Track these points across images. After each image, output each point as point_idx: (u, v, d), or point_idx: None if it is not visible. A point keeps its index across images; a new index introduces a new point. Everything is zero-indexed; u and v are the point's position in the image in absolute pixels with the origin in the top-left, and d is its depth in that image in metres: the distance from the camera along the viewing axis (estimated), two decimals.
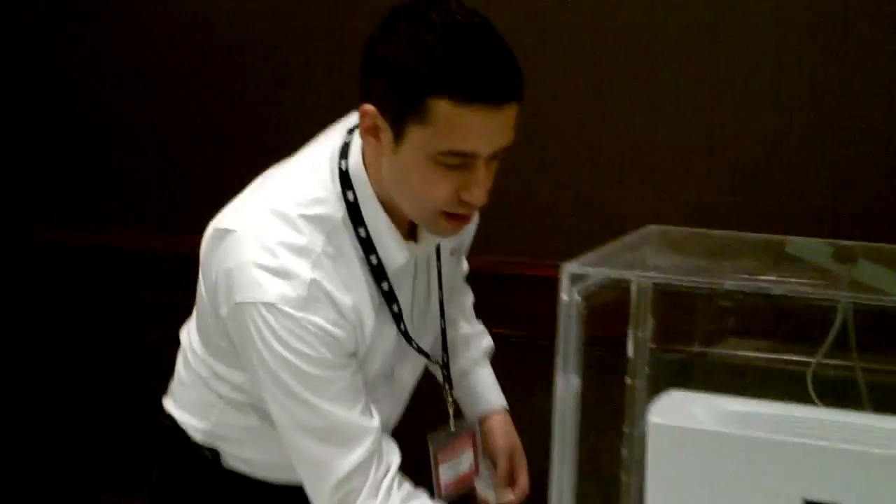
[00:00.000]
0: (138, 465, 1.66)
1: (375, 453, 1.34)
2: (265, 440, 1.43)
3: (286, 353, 1.29)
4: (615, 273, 1.09)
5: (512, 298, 2.42)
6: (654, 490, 1.18)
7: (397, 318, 1.43)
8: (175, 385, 1.58)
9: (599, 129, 2.46)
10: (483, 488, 1.63)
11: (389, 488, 1.35)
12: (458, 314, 1.73)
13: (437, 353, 1.58)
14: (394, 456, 1.38)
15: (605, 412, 1.34)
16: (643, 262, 1.24)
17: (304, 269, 1.30)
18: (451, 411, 1.58)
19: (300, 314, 1.29)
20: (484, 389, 1.72)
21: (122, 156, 3.23)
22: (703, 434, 1.15)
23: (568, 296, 1.07)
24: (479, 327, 1.77)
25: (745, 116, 2.33)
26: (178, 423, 1.54)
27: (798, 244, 1.29)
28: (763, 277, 1.17)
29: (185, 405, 1.54)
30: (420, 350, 1.49)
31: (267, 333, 1.29)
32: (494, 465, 1.68)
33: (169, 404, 1.58)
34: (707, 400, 1.25)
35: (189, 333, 1.53)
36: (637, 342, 1.34)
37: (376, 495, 1.33)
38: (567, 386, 1.11)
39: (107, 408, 3.54)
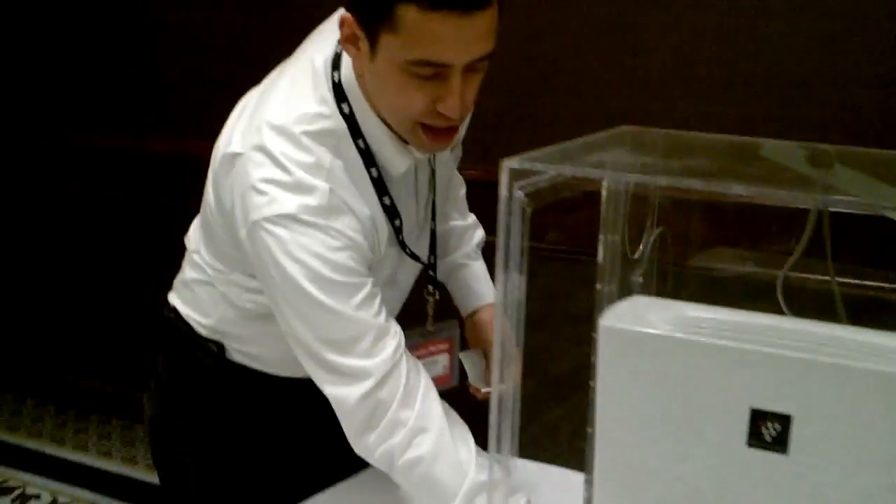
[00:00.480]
0: (146, 360, 1.69)
1: (402, 358, 1.33)
2: (271, 338, 1.44)
3: (312, 262, 1.28)
4: (553, 168, 1.05)
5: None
6: (604, 393, 1.16)
7: (397, 231, 1.43)
8: (180, 283, 1.60)
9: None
10: (474, 378, 1.63)
11: (424, 395, 1.33)
12: (451, 207, 1.71)
13: (425, 254, 1.57)
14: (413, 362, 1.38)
15: (577, 319, 1.31)
16: (608, 160, 1.20)
17: (319, 182, 1.30)
18: (430, 312, 1.57)
19: (324, 222, 1.29)
20: (476, 282, 1.71)
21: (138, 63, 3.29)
22: (651, 338, 1.12)
23: (508, 192, 1.04)
24: (472, 219, 1.76)
25: None
26: (183, 316, 1.57)
27: (773, 147, 1.23)
28: (733, 180, 1.12)
29: (189, 302, 1.57)
30: (413, 255, 1.49)
31: (292, 247, 1.28)
32: (486, 355, 1.67)
33: (174, 299, 1.60)
34: (667, 305, 1.22)
35: (196, 240, 1.55)
36: (606, 246, 1.30)
37: (411, 404, 1.32)
38: (508, 286, 1.08)
39: (117, 303, 3.65)
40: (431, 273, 1.59)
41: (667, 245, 1.37)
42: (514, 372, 1.65)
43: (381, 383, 1.29)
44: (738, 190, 1.06)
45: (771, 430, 1.07)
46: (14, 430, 3.81)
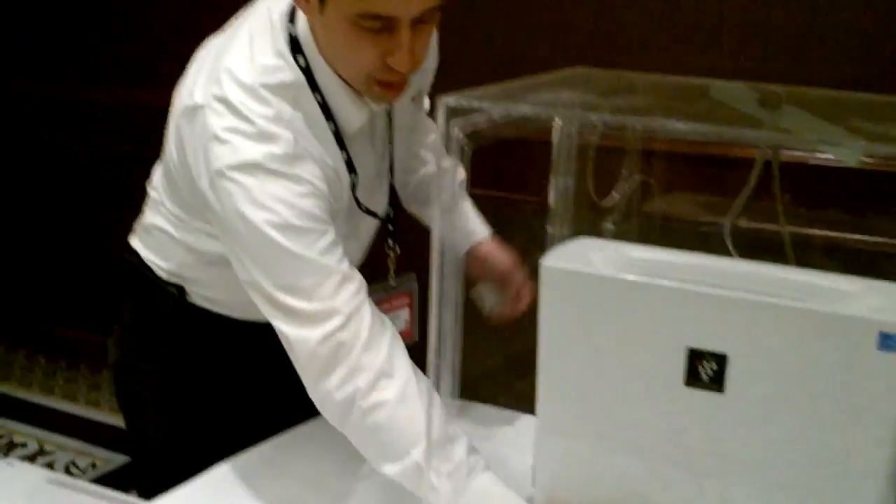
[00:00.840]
0: (108, 305, 1.70)
1: (366, 302, 1.31)
2: (232, 283, 1.44)
3: (278, 209, 1.26)
4: (490, 106, 1.04)
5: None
6: (546, 333, 1.16)
7: (353, 186, 1.43)
8: (140, 228, 1.60)
9: None
10: (494, 306, 1.64)
11: (391, 343, 1.29)
12: (426, 153, 1.70)
13: (383, 208, 1.57)
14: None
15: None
16: (553, 100, 1.20)
17: (283, 131, 1.29)
18: (391, 266, 1.57)
19: (289, 170, 1.27)
20: (469, 221, 1.70)
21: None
22: (591, 278, 1.13)
23: (446, 130, 1.04)
24: (450, 161, 1.74)
25: None
26: (144, 260, 1.57)
27: (723, 88, 1.23)
28: (680, 119, 1.12)
29: (150, 246, 1.57)
30: (369, 211, 1.49)
31: (258, 194, 1.26)
32: (501, 286, 1.66)
33: (135, 243, 1.60)
34: (611, 247, 1.22)
35: (158, 186, 1.54)
36: (556, 190, 1.30)
37: (375, 349, 1.27)
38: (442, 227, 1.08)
39: (78, 250, 3.68)
40: (391, 227, 1.58)
41: (638, 191, 1.38)
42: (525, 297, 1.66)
43: (344, 324, 1.27)
44: (680, 127, 1.06)
45: (707, 369, 1.08)
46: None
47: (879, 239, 1.82)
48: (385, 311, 1.53)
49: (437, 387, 1.15)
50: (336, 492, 1.45)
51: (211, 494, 1.43)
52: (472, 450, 1.25)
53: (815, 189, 1.36)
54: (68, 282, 3.79)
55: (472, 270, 1.66)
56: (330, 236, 1.30)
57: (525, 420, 1.22)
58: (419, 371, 1.30)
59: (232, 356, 1.60)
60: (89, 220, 3.63)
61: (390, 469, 1.25)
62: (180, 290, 1.54)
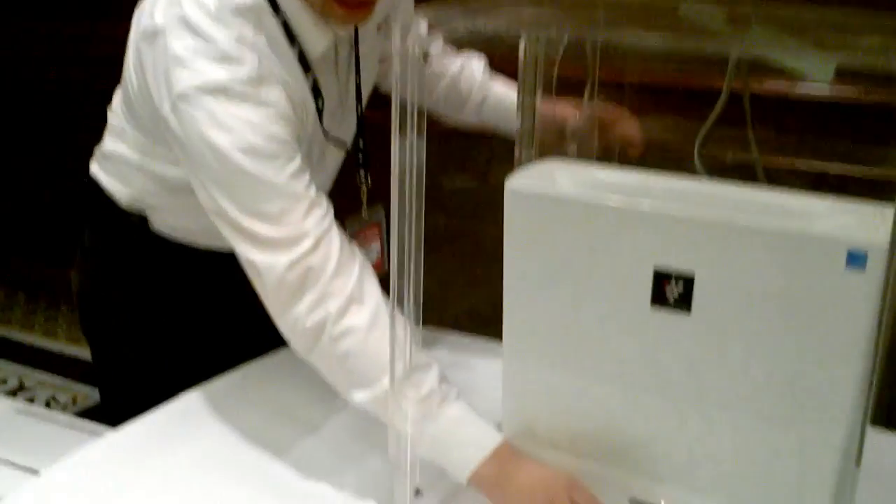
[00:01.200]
0: (70, 236, 1.67)
1: (334, 228, 1.28)
2: (194, 210, 1.42)
3: (244, 132, 1.23)
4: (454, 21, 1.01)
5: None
6: (511, 256, 1.15)
7: (319, 113, 1.40)
8: (101, 154, 1.57)
9: None
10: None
11: (361, 271, 1.27)
12: (438, 68, 1.69)
13: (349, 139, 1.55)
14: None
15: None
16: (514, 16, 1.16)
17: (246, 54, 1.25)
18: (363, 199, 1.54)
19: (254, 92, 1.24)
20: (508, 98, 1.68)
21: None
22: (556, 200, 1.11)
23: (401, 47, 1.01)
24: (461, 59, 1.71)
25: None
26: (105, 187, 1.54)
27: (692, 7, 1.19)
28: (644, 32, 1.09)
29: (110, 172, 1.54)
30: (335, 140, 1.46)
31: (223, 117, 1.23)
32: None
33: (95, 170, 1.57)
34: (577, 168, 1.20)
35: (118, 112, 1.51)
36: (523, 108, 1.28)
37: (346, 275, 1.24)
38: (404, 148, 1.06)
39: (34, 181, 3.64)
40: (362, 159, 1.55)
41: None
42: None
43: (313, 249, 1.23)
44: (645, 42, 1.03)
45: (674, 290, 1.06)
46: None
47: (847, 166, 1.82)
48: (363, 244, 1.52)
49: (402, 312, 1.13)
50: (305, 421, 1.44)
51: (178, 422, 1.43)
52: (443, 378, 1.23)
53: (786, 119, 1.34)
54: (26, 213, 3.76)
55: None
56: (297, 161, 1.27)
57: (492, 346, 1.20)
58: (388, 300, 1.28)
59: (197, 285, 1.58)
60: (47, 149, 3.59)
61: (360, 396, 1.23)
62: (142, 217, 1.52)
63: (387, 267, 1.61)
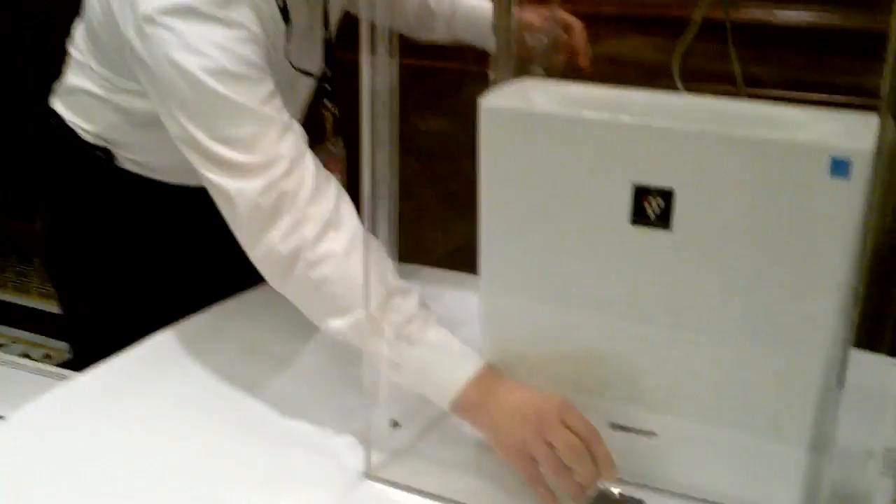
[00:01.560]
0: (34, 183, 1.62)
1: (308, 152, 1.23)
2: (161, 145, 1.37)
3: (214, 54, 1.18)
4: None
5: None
6: (487, 177, 1.11)
7: (287, 38, 1.35)
8: (62, 89, 1.52)
9: None
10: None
11: (338, 197, 1.22)
12: None
13: (317, 67, 1.50)
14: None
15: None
16: None
17: None
18: (329, 128, 1.50)
19: (224, 13, 1.19)
20: (481, 11, 1.63)
21: None
22: (531, 116, 1.07)
23: None
24: None
25: None
26: (67, 123, 1.49)
27: None
28: None
29: (73, 107, 1.49)
30: (303, 70, 1.42)
31: (191, 39, 1.18)
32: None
33: (57, 105, 1.52)
34: (553, 85, 1.17)
35: (80, 44, 1.46)
36: (499, 30, 1.24)
37: (321, 201, 1.20)
38: (374, 68, 1.02)
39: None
40: (328, 87, 1.51)
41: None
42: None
43: (287, 173, 1.18)
44: None
45: (654, 206, 1.03)
46: None
47: (827, 96, 1.80)
48: None
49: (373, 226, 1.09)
50: (279, 358, 1.42)
51: (148, 363, 1.40)
52: (423, 304, 1.19)
53: (769, 45, 1.31)
54: None
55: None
56: (269, 85, 1.22)
57: (470, 280, 1.17)
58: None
59: (166, 223, 1.54)
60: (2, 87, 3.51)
61: (337, 323, 1.18)
62: (108, 153, 1.47)
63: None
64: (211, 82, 1.17)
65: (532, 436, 1.07)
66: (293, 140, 1.21)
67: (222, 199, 1.21)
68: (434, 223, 2.06)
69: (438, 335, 1.16)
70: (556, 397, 1.10)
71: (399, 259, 1.15)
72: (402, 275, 1.18)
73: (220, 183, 1.20)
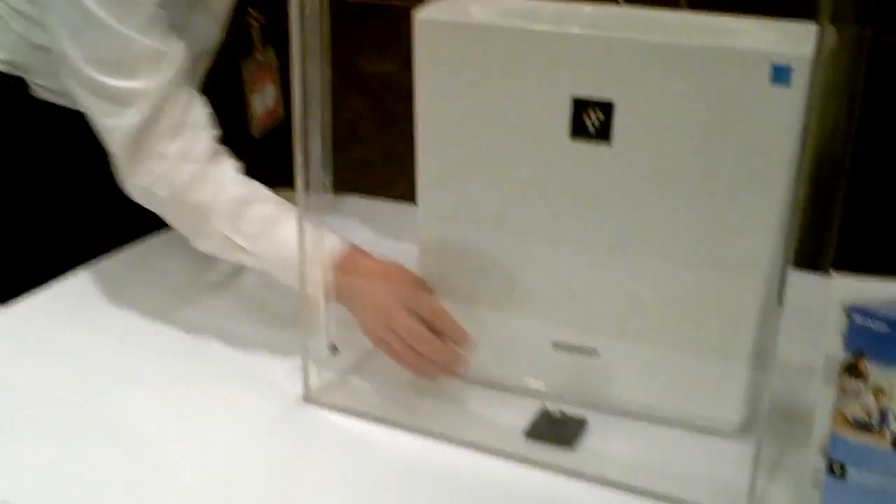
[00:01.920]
0: None
1: (180, 89, 1.22)
2: None
3: None
4: None
5: None
6: (423, 93, 1.08)
7: None
8: None
9: None
10: None
11: (197, 127, 1.24)
12: None
13: None
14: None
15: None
16: None
17: None
18: (255, 37, 1.46)
19: None
20: None
21: None
22: (467, 28, 1.04)
23: None
24: None
25: None
26: None
27: None
28: None
29: None
30: None
31: None
32: None
33: None
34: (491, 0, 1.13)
35: None
36: None
37: (180, 136, 1.21)
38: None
39: None
40: None
41: None
42: None
43: (153, 112, 1.19)
44: None
45: (594, 119, 1.01)
46: None
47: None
48: (253, 90, 1.44)
49: (307, 168, 1.06)
50: (212, 290, 1.38)
51: (72, 300, 1.36)
52: (279, 202, 1.21)
53: None
54: None
55: None
56: (150, 11, 1.19)
57: (408, 211, 1.15)
58: (229, 151, 1.25)
59: (83, 154, 1.48)
60: None
61: (205, 246, 1.23)
62: (19, 81, 1.41)
63: (283, 113, 1.54)
64: (87, 1, 1.15)
65: (381, 327, 1.11)
66: (166, 72, 1.20)
67: (98, 126, 1.23)
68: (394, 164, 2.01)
69: (286, 233, 1.17)
70: (403, 282, 1.13)
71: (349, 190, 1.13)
72: (337, 207, 1.17)
73: (94, 115, 1.22)
